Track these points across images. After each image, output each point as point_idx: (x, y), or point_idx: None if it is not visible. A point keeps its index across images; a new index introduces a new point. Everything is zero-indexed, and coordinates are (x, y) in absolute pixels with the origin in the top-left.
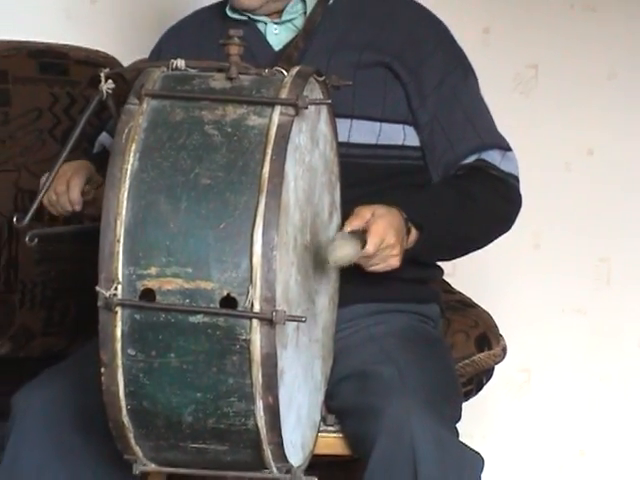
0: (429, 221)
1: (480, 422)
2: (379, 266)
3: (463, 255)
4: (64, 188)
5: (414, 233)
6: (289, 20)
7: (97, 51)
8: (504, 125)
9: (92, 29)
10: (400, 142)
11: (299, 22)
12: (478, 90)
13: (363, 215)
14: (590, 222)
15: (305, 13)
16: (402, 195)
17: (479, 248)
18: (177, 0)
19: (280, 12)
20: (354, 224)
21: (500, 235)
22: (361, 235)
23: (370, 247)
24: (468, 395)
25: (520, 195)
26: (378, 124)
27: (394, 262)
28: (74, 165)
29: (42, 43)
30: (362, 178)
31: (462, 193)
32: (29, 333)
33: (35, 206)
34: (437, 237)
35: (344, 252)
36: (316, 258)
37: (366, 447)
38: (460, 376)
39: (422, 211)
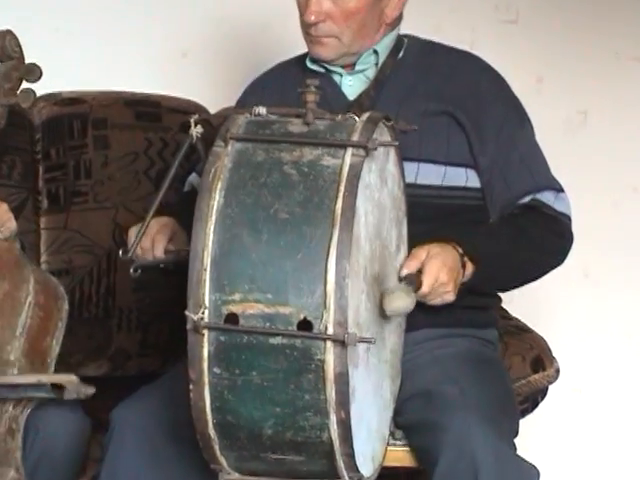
0: (484, 255)
1: (535, 437)
2: (435, 301)
3: (519, 286)
4: (149, 245)
5: (470, 267)
6: (362, 71)
7: (187, 100)
8: (556, 166)
9: (183, 80)
10: (463, 184)
11: (371, 73)
12: (533, 136)
13: (419, 256)
14: (635, 252)
15: (377, 65)
16: (459, 231)
17: (533, 280)
18: (260, 54)
19: (353, 64)
20: (410, 266)
21: (553, 269)
22: (417, 277)
23: (425, 288)
24: (524, 412)
25: (572, 233)
26: (443, 167)
27: (448, 297)
28: (160, 222)
29: (138, 93)
30: (428, 216)
31: (517, 230)
32: (126, 354)
33: (138, 241)
34: (492, 270)
35: (399, 304)
36: (381, 288)
37: (431, 460)
38: (517, 395)
39: (478, 246)
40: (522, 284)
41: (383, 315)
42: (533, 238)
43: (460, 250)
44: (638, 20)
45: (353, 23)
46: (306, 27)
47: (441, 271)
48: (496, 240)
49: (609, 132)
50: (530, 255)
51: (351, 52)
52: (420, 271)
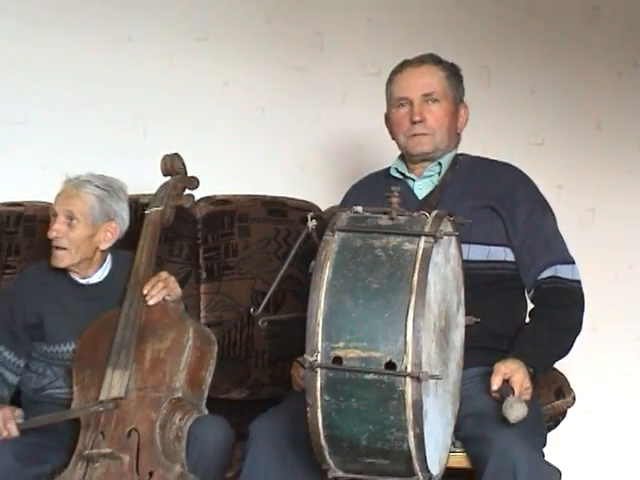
0: (539, 362)
1: (557, 447)
2: (523, 397)
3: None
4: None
5: (531, 370)
6: (428, 176)
7: (305, 201)
8: (571, 248)
9: (302, 186)
10: (502, 258)
11: (435, 179)
12: (554, 223)
13: (500, 371)
14: (630, 311)
15: (439, 173)
16: (519, 348)
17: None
18: (357, 166)
19: (421, 173)
20: (497, 380)
21: (580, 332)
22: (508, 387)
23: (517, 394)
24: (550, 429)
25: (583, 295)
26: (487, 247)
27: (528, 395)
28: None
29: (270, 196)
30: (478, 282)
31: (554, 326)
32: (260, 384)
33: (264, 302)
34: (545, 365)
35: (520, 412)
36: (445, 341)
37: (481, 463)
38: (544, 416)
39: (532, 356)
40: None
41: (451, 347)
42: (567, 323)
43: (525, 362)
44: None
45: (442, 124)
46: (409, 130)
47: (525, 379)
48: (544, 344)
49: (612, 224)
50: (568, 338)
51: (440, 149)
52: (507, 381)
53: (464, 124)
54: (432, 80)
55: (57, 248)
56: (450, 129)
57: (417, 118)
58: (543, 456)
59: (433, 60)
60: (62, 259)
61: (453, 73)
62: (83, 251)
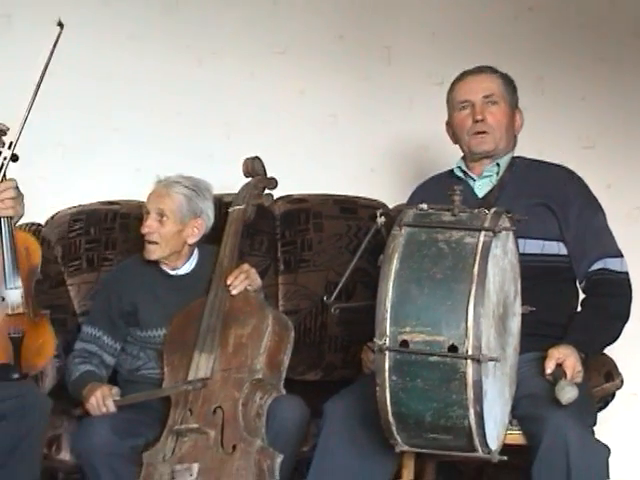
0: (589, 347)
1: (607, 426)
2: (575, 380)
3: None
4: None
5: (582, 355)
6: (487, 176)
7: (374, 200)
8: (619, 243)
9: (372, 186)
10: (555, 252)
11: (493, 179)
12: (604, 220)
13: (553, 356)
14: None
15: (497, 174)
16: (572, 335)
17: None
18: (422, 167)
19: (481, 173)
20: (550, 365)
21: (628, 319)
22: (561, 371)
23: (569, 377)
24: (599, 410)
25: (631, 286)
26: (541, 241)
27: (580, 378)
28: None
29: (342, 195)
30: (533, 274)
31: (603, 314)
32: (333, 366)
33: (336, 291)
34: (595, 351)
35: (571, 394)
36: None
37: (536, 440)
38: (594, 397)
39: (584, 342)
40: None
41: (508, 332)
42: (615, 312)
43: (577, 348)
44: None
45: (501, 124)
46: (471, 129)
47: (577, 363)
48: (594, 331)
49: None
50: (616, 326)
51: (499, 148)
52: (560, 365)
53: (520, 128)
54: (491, 84)
55: (149, 242)
56: (508, 130)
57: (479, 117)
58: (593, 434)
59: (490, 69)
60: (153, 252)
61: (509, 81)
62: (172, 245)
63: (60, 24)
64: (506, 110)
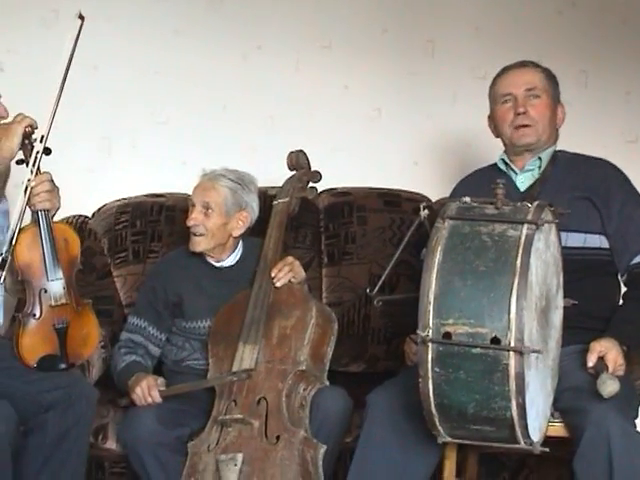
0: (632, 341)
1: None
2: (617, 373)
3: None
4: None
5: (625, 348)
6: (529, 170)
7: (417, 192)
8: None
9: (415, 180)
10: (597, 245)
11: (535, 173)
12: None
13: (595, 350)
14: None
15: (539, 167)
16: (613, 328)
17: None
18: (466, 162)
19: (523, 167)
20: (592, 358)
21: None
22: (602, 364)
23: (611, 370)
24: None
25: None
26: (583, 235)
27: (622, 371)
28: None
29: (385, 188)
30: (575, 267)
31: None
32: (376, 358)
33: (380, 284)
34: (637, 344)
35: (613, 388)
36: (545, 320)
37: (578, 433)
38: (637, 390)
39: (626, 335)
40: None
41: (551, 326)
42: None
43: (619, 341)
44: None
45: (543, 117)
46: (513, 122)
47: (618, 357)
48: (637, 324)
49: None
50: None
51: (541, 140)
52: (602, 358)
53: (562, 122)
54: (533, 78)
55: (195, 235)
56: (550, 123)
57: (521, 110)
58: (635, 427)
59: (532, 64)
60: (199, 244)
61: (551, 75)
62: (218, 237)
63: (81, 16)
64: (548, 103)
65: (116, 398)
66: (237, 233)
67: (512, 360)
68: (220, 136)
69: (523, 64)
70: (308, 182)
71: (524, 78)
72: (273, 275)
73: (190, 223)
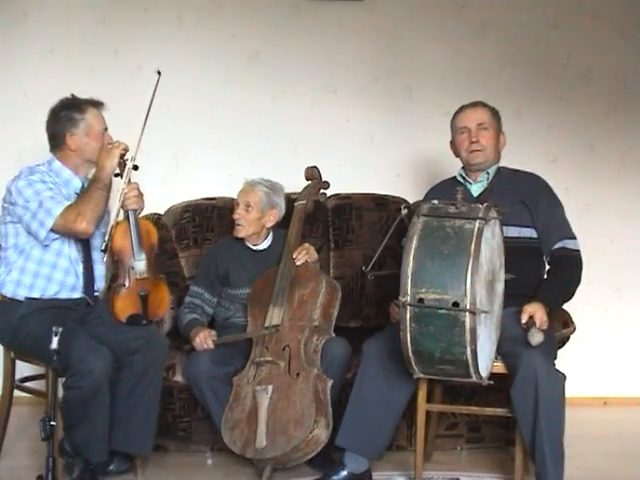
0: (553, 304)
1: (564, 359)
2: (542, 328)
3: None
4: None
5: (548, 309)
6: (480, 182)
7: (399, 197)
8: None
9: (397, 188)
10: (529, 235)
11: (485, 183)
12: (563, 212)
13: (527, 311)
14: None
15: (488, 179)
16: (540, 295)
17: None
18: (434, 174)
19: (476, 177)
20: (525, 317)
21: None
22: (532, 321)
23: (538, 325)
24: (559, 348)
25: (582, 260)
26: (519, 228)
27: (545, 326)
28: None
29: (376, 194)
30: (513, 251)
31: (563, 281)
32: (369, 317)
33: (372, 263)
34: (558, 305)
35: (539, 338)
36: (491, 289)
37: (514, 371)
38: (555, 339)
39: (548, 300)
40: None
41: (495, 294)
42: (571, 279)
43: (544, 304)
44: None
45: (490, 144)
46: (468, 148)
47: (543, 315)
48: (555, 293)
49: (604, 217)
50: (572, 288)
51: (489, 160)
52: (531, 317)
53: (503, 146)
54: (482, 115)
55: (238, 225)
56: (495, 148)
57: (474, 139)
58: (554, 366)
59: (482, 104)
60: (240, 232)
61: (495, 112)
62: (254, 227)
63: (158, 72)
64: (493, 134)
65: (181, 345)
66: (269, 225)
67: (467, 318)
68: (256, 155)
69: (475, 104)
70: (320, 189)
71: (475, 115)
72: (294, 256)
73: (235, 217)
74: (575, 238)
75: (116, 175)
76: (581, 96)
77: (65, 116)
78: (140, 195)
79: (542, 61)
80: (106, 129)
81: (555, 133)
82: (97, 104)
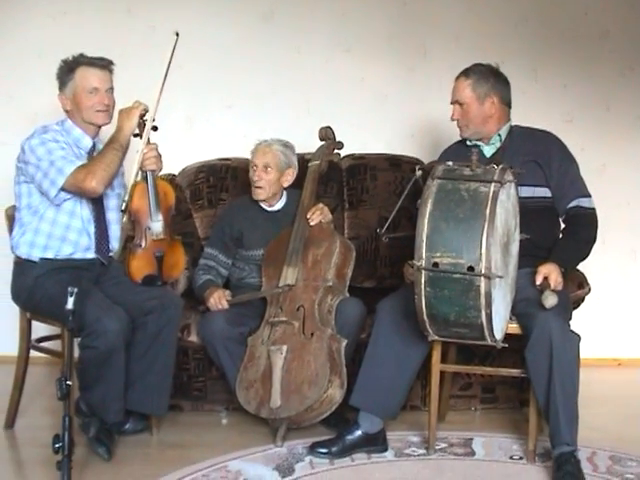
0: (568, 264)
1: (578, 320)
2: (557, 289)
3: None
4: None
5: (562, 269)
6: (493, 143)
7: (413, 157)
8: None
9: (413, 148)
10: (543, 195)
11: (498, 144)
12: (578, 170)
13: (541, 272)
14: (626, 230)
15: (500, 140)
16: (554, 255)
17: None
18: (448, 135)
19: (488, 139)
20: (539, 279)
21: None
22: (547, 283)
23: (552, 287)
24: (574, 309)
25: (597, 218)
26: (533, 187)
27: (560, 286)
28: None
29: (390, 154)
30: (527, 211)
31: (578, 240)
32: (383, 277)
33: (387, 224)
34: (573, 265)
35: (553, 301)
36: (506, 251)
37: (529, 331)
38: (570, 300)
39: (565, 260)
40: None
41: (510, 256)
42: (586, 238)
43: (559, 265)
44: None
45: (470, 118)
46: (457, 123)
47: (558, 277)
48: (570, 253)
49: (623, 177)
50: (587, 248)
51: (480, 131)
52: (546, 278)
53: (495, 109)
54: (462, 93)
55: (258, 187)
56: (481, 118)
57: (453, 117)
58: (569, 326)
59: (464, 76)
60: (260, 194)
61: (477, 79)
62: (274, 188)
63: (177, 34)
64: (473, 107)
65: (196, 305)
66: (286, 184)
67: (482, 283)
68: (270, 115)
69: (457, 77)
70: (334, 149)
71: (455, 93)
72: (308, 217)
73: (255, 179)
74: (590, 196)
75: (135, 135)
76: (597, 55)
77: (59, 78)
78: (159, 156)
79: (558, 20)
80: (112, 89)
81: (571, 93)
82: (94, 63)
